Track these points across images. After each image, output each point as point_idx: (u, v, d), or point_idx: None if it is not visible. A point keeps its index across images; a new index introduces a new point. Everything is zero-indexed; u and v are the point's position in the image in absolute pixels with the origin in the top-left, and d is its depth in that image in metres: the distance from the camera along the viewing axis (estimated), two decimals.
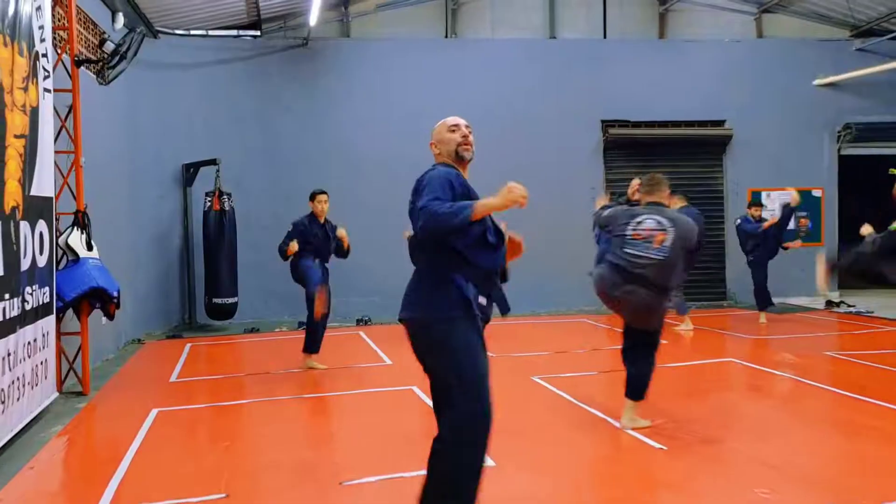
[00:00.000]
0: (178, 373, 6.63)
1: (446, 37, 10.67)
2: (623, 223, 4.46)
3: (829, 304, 10.28)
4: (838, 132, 10.97)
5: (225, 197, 9.10)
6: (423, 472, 2.80)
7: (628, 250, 4.34)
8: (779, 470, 3.76)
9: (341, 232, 6.46)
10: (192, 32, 9.74)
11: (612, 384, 6.01)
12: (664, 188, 4.61)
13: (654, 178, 4.63)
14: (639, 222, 4.40)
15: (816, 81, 10.96)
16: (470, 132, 2.95)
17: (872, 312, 9.61)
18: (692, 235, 4.43)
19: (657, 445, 4.17)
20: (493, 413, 2.67)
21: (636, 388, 4.48)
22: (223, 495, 3.53)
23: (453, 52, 10.56)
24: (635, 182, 4.99)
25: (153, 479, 3.82)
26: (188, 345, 8.14)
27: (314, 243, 6.34)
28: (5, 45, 4.27)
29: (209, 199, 9.11)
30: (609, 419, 4.71)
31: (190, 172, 9.58)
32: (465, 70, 10.44)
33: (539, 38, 10.85)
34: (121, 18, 7.97)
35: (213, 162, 9.15)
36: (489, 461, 3.96)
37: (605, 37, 10.93)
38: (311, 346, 6.49)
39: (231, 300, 9.16)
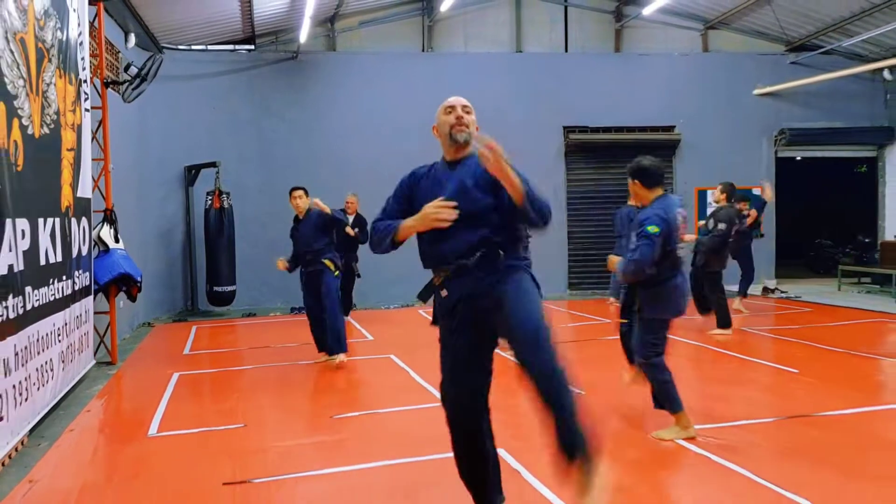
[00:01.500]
0: (190, 347, 7.74)
1: (423, 50, 11.79)
2: None
3: (766, 290, 11.53)
4: (775, 136, 12.23)
5: (224, 196, 10.17)
6: (395, 408, 3.95)
7: None
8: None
9: (315, 201, 6.39)
10: (194, 47, 10.81)
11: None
12: None
13: None
14: None
15: (756, 91, 12.21)
16: (468, 112, 2.86)
17: (800, 297, 10.87)
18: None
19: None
20: (449, 403, 2.78)
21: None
22: (242, 425, 4.66)
23: (430, 64, 11.69)
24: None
25: (186, 416, 4.95)
26: (194, 327, 9.24)
27: (297, 244, 6.48)
28: (61, 76, 5.35)
29: (210, 197, 10.17)
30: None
31: (192, 174, 10.66)
32: (441, 81, 11.53)
33: (507, 51, 12.00)
34: (132, 38, 9.06)
35: (213, 164, 10.22)
36: None
37: (566, 51, 12.10)
38: (320, 345, 6.61)
39: (230, 288, 10.25)
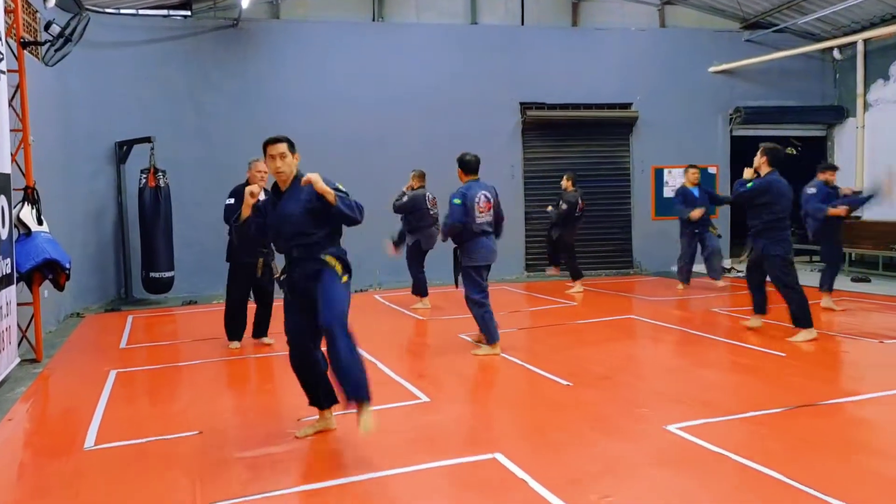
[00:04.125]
0: (127, 340, 7.01)
1: (374, 20, 11.14)
2: None
3: (724, 270, 11.49)
4: (730, 115, 12.18)
5: (160, 174, 9.34)
6: (371, 407, 3.47)
7: None
8: (661, 394, 4.65)
9: (308, 177, 3.70)
10: (123, 11, 9.83)
11: (530, 338, 6.83)
12: None
13: None
14: None
15: (711, 68, 12.10)
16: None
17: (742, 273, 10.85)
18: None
19: (564, 382, 4.99)
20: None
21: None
22: (197, 432, 4.08)
23: (380, 35, 11.06)
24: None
25: (129, 423, 4.31)
26: (130, 317, 8.45)
27: (271, 232, 3.99)
28: None
29: (144, 175, 9.32)
30: (526, 364, 5.50)
31: (123, 150, 9.74)
32: (392, 52, 10.98)
33: (461, 23, 11.47)
34: None
35: (147, 140, 9.35)
36: (424, 397, 4.69)
37: (522, 23, 11.67)
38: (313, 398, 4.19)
39: (168, 274, 9.45)
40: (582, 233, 10.20)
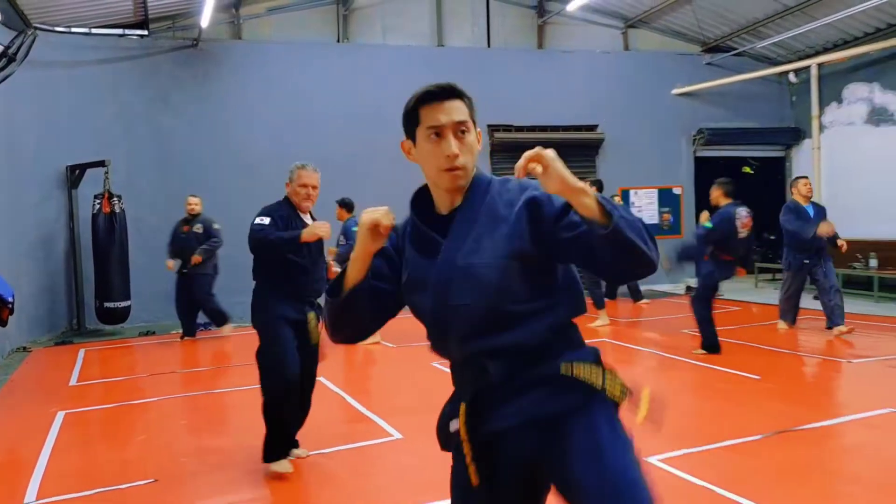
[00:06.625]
0: (78, 377, 6.59)
1: (339, 41, 10.97)
2: None
3: (689, 288, 11.51)
4: (693, 136, 12.31)
5: (115, 199, 8.94)
6: (334, 448, 3.20)
7: None
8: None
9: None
10: (74, 30, 9.46)
11: None
12: None
13: None
14: None
15: (674, 91, 12.23)
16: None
17: (722, 295, 10.89)
18: None
19: None
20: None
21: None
22: (152, 480, 3.76)
23: (346, 56, 10.89)
24: None
25: (76, 472, 3.97)
26: (82, 350, 8.00)
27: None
28: None
29: (98, 201, 8.91)
30: None
31: (75, 174, 9.32)
32: (359, 74, 10.81)
33: (428, 45, 11.38)
34: None
35: (101, 164, 8.96)
36: (396, 433, 4.45)
37: (488, 46, 11.64)
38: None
39: (124, 304, 9.01)
40: None
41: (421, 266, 1.66)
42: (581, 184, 1.47)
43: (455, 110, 1.63)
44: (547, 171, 1.48)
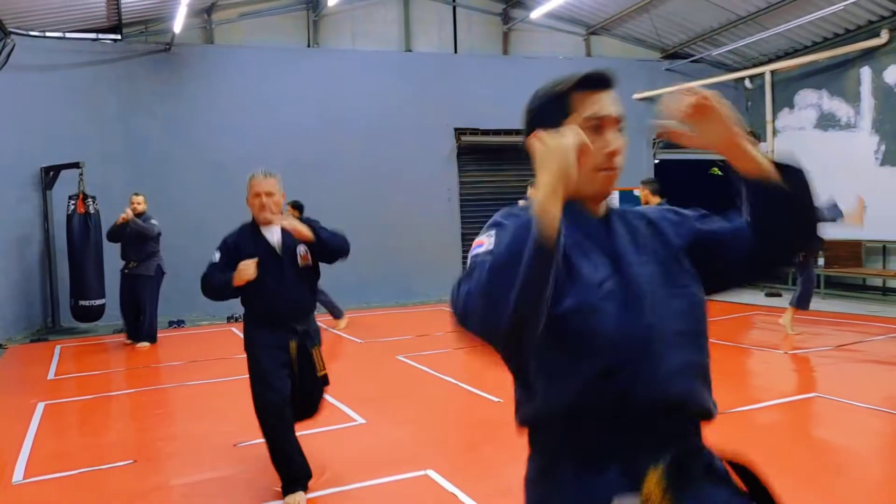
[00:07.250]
0: (55, 371, 6.82)
1: (309, 46, 11.27)
2: None
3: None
4: (653, 140, 12.81)
5: (90, 200, 9.14)
6: (304, 432, 3.57)
7: None
8: None
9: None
10: (49, 34, 9.64)
11: (466, 359, 7.02)
12: None
13: None
14: None
15: (635, 96, 12.71)
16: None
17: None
18: None
19: (495, 399, 5.18)
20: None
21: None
22: (131, 461, 4.07)
23: (316, 61, 11.18)
24: None
25: (59, 455, 4.26)
26: (58, 346, 8.21)
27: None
28: None
29: (73, 202, 9.10)
30: (461, 384, 5.68)
31: (50, 176, 9.51)
32: (329, 78, 11.11)
33: (396, 50, 11.73)
34: None
35: (75, 165, 9.15)
36: (360, 419, 4.81)
37: (455, 51, 12.02)
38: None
39: (98, 302, 9.21)
40: None
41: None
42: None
43: (616, 103, 1.41)
44: (713, 113, 1.25)
